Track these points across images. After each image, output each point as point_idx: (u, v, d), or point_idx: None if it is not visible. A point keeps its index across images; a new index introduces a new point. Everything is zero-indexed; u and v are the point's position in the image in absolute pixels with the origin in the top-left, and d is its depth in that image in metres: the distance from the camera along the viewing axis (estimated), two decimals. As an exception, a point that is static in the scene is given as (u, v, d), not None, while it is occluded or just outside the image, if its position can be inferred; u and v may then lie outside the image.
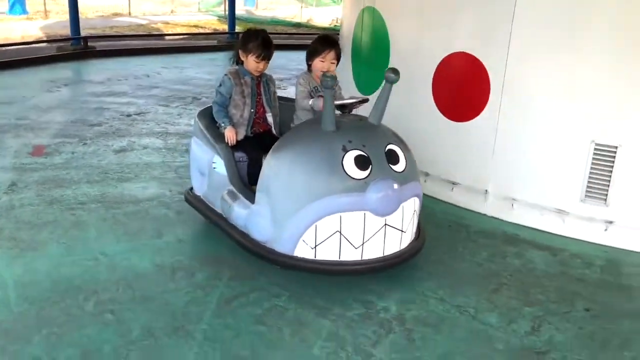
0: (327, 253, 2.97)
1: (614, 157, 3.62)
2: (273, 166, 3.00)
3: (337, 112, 3.12)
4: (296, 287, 3.11)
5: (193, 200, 3.75)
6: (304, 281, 3.14)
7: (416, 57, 4.42)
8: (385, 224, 2.96)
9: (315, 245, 2.95)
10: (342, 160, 2.88)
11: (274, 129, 3.68)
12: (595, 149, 3.67)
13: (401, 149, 3.10)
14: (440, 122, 4.32)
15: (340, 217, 2.88)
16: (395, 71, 3.05)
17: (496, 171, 4.05)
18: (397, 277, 3.21)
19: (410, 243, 3.19)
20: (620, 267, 3.53)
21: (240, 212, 3.21)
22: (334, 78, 2.91)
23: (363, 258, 2.99)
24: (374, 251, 3.00)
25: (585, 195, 3.77)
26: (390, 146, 3.04)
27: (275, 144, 3.08)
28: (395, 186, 2.92)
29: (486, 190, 4.13)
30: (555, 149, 3.81)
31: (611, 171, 3.65)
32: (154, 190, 4.47)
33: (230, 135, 3.44)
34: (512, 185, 4.01)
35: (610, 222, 3.72)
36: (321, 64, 3.48)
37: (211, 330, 2.74)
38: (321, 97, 3.27)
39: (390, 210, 2.94)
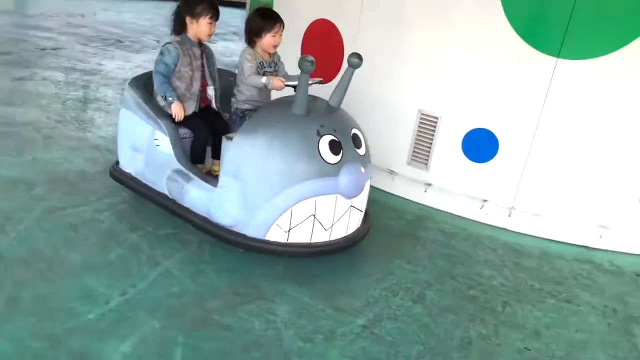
0: (300, 236, 3.02)
1: (435, 126, 4.07)
2: (246, 149, 2.92)
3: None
4: (122, 207, 3.50)
5: (121, 176, 3.51)
6: (133, 202, 3.52)
7: (291, 21, 4.76)
8: (351, 206, 3.11)
9: (289, 229, 2.99)
10: (318, 145, 2.92)
11: (215, 103, 3.52)
12: (421, 118, 4.11)
13: (362, 133, 3.21)
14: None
15: (316, 201, 2.95)
16: (359, 56, 3.08)
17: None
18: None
19: (364, 221, 3.38)
20: (425, 221, 4.01)
21: (197, 195, 3.11)
22: (313, 62, 2.85)
23: (331, 239, 3.10)
24: (340, 232, 3.13)
25: (411, 159, 4.23)
26: (354, 130, 3.13)
27: (245, 125, 3.00)
28: (362, 169, 3.05)
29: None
30: (391, 115, 4.24)
31: (432, 139, 4.11)
32: (34, 117, 4.76)
33: (178, 110, 3.21)
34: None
35: (429, 185, 4.19)
36: (273, 39, 3.36)
37: (26, 231, 3.12)
38: (274, 76, 3.27)
39: (358, 192, 3.08)
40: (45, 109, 5.00)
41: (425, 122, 4.12)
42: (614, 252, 3.91)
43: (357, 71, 3.16)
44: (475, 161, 4.01)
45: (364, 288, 3.06)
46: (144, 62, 6.96)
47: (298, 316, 2.77)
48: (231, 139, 2.99)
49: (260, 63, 3.36)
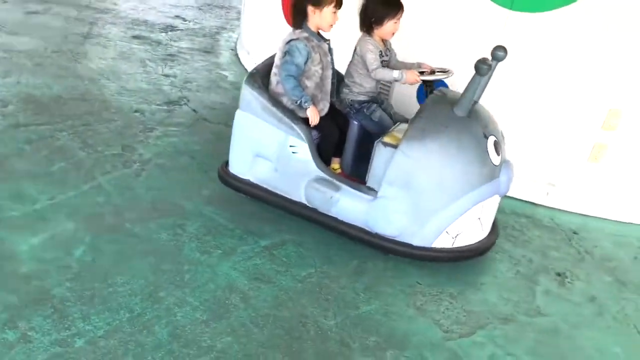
0: (464, 239, 2.97)
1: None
2: (417, 158, 2.78)
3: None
4: (82, 129, 3.79)
5: (237, 182, 3.23)
6: (94, 126, 3.83)
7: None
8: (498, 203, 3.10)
9: (457, 235, 2.93)
10: (487, 148, 2.86)
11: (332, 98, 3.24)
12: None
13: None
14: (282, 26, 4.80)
15: (483, 204, 2.91)
16: (504, 49, 2.74)
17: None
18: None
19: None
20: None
21: (351, 205, 2.95)
22: (491, 66, 2.71)
23: (484, 237, 3.08)
24: (488, 229, 3.13)
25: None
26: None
27: (410, 132, 2.80)
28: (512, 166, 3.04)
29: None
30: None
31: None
32: (32, 46, 5.10)
33: (314, 115, 2.96)
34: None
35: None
36: (394, 26, 3.13)
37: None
38: (411, 70, 3.09)
39: (509, 189, 3.04)
40: (46, 40, 5.32)
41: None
42: (559, 209, 3.91)
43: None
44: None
45: (280, 216, 3.24)
46: (160, 4, 7.19)
47: (206, 233, 3.00)
48: (386, 143, 2.89)
49: (380, 52, 3.15)
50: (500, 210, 3.72)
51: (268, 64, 3.13)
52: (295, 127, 2.97)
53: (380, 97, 3.37)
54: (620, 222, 3.81)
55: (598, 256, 3.42)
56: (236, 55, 5.75)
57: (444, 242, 2.93)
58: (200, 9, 7.22)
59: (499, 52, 2.71)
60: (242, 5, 5.86)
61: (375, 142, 2.93)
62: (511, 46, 3.60)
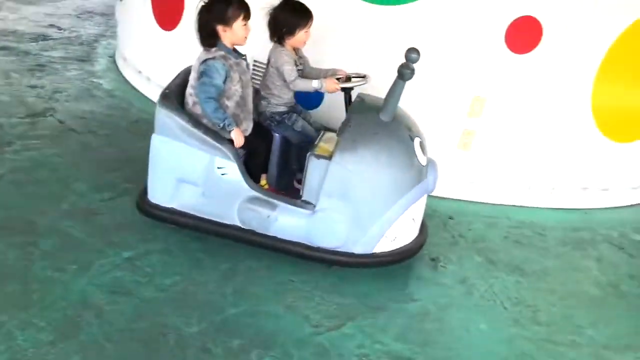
0: (402, 240, 2.99)
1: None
2: (352, 168, 2.76)
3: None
4: None
5: (160, 212, 3.00)
6: None
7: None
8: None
9: (395, 238, 2.94)
10: (415, 150, 2.90)
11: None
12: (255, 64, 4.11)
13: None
14: (155, 31, 4.65)
15: (415, 204, 2.95)
16: (417, 51, 2.76)
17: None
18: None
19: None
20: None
21: (290, 222, 2.87)
22: (414, 71, 2.70)
23: (418, 234, 3.12)
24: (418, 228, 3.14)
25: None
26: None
27: (342, 143, 2.78)
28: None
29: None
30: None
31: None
32: None
33: (238, 137, 2.83)
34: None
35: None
36: (306, 35, 3.12)
37: None
38: (330, 79, 3.08)
39: (435, 187, 3.08)
40: None
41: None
42: (437, 197, 3.99)
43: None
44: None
45: (147, 226, 3.09)
46: (32, 13, 6.78)
47: (61, 249, 2.81)
48: (318, 156, 2.83)
49: (294, 62, 3.12)
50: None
51: (180, 83, 2.98)
52: (221, 147, 2.83)
53: (298, 107, 3.34)
54: (492, 204, 3.95)
55: (471, 238, 3.52)
56: (114, 62, 5.51)
57: (384, 246, 2.94)
58: (78, 17, 6.87)
59: (412, 55, 2.74)
60: (116, 11, 5.63)
61: (307, 155, 2.86)
62: (383, 39, 3.71)
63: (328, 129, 3.29)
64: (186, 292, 2.67)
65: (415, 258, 3.17)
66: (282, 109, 3.22)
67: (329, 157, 2.80)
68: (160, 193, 2.98)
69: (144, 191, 3.04)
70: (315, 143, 3.06)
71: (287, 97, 3.20)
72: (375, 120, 2.85)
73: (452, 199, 3.96)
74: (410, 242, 3.03)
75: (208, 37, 2.80)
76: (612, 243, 3.73)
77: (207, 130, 2.84)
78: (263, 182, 3.14)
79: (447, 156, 3.88)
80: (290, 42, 3.12)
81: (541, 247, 3.56)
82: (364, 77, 3.16)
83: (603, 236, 3.79)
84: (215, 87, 2.76)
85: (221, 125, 2.78)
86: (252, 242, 2.94)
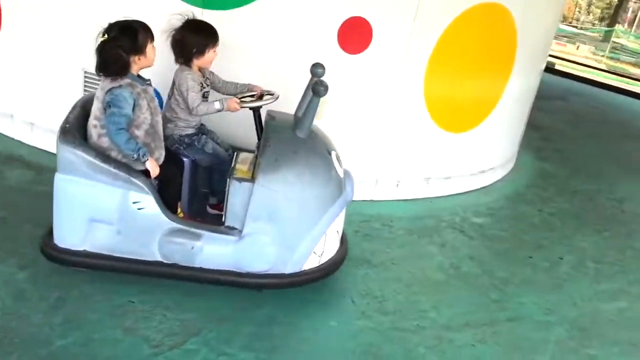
0: (328, 253, 2.98)
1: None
2: (277, 189, 2.73)
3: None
4: None
5: (68, 257, 2.77)
6: None
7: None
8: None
9: (322, 253, 2.92)
10: (333, 163, 2.91)
11: None
12: (85, 76, 3.87)
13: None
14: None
15: (339, 216, 2.95)
16: (322, 66, 3.01)
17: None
18: None
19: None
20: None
21: (217, 250, 2.78)
22: (328, 87, 2.70)
23: (339, 248, 3.10)
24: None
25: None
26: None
27: (264, 164, 2.73)
28: None
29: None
30: (52, 74, 3.95)
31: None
32: None
33: (154, 167, 2.72)
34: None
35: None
36: (214, 54, 3.08)
37: None
38: (231, 99, 3.04)
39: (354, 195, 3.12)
40: None
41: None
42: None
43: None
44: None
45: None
46: None
47: None
48: (240, 179, 2.75)
49: (200, 84, 3.03)
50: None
51: (79, 116, 2.75)
52: (135, 180, 2.66)
53: (204, 127, 3.22)
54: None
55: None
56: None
57: (312, 262, 2.93)
58: None
59: (318, 69, 2.94)
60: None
61: (228, 179, 2.79)
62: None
63: (237, 149, 3.27)
64: (7, 328, 2.42)
65: None
66: (190, 131, 3.13)
67: (252, 180, 2.77)
68: (69, 235, 2.75)
69: (49, 235, 2.79)
70: (232, 166, 3.00)
71: (194, 119, 3.12)
72: (293, 138, 2.86)
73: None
74: (335, 254, 3.08)
75: (120, 69, 2.63)
76: (455, 228, 3.98)
77: (118, 163, 2.68)
78: (178, 210, 3.03)
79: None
80: (199, 62, 3.05)
81: (389, 238, 3.69)
82: (272, 94, 3.16)
83: (447, 222, 4.03)
84: (125, 116, 2.62)
85: (135, 157, 2.65)
86: (176, 277, 2.83)
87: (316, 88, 2.72)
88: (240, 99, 3.12)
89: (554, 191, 5.21)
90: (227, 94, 3.21)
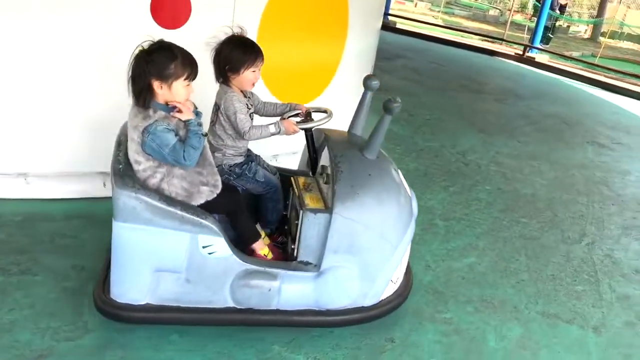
0: (399, 276, 2.84)
1: None
2: (355, 217, 2.52)
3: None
4: None
5: (129, 313, 2.45)
6: None
7: None
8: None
9: (397, 279, 2.82)
10: (402, 181, 2.79)
11: None
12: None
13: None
14: None
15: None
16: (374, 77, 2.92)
17: None
18: None
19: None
20: None
21: (297, 289, 2.57)
22: (400, 104, 2.57)
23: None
24: None
25: None
26: None
27: (340, 190, 2.51)
28: None
29: None
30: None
31: None
32: None
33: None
34: None
35: None
36: (253, 74, 2.70)
37: None
38: (287, 121, 2.75)
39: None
40: None
41: None
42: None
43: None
44: None
45: None
46: None
47: None
48: (314, 210, 2.53)
49: (245, 105, 2.73)
50: (47, 219, 3.20)
51: (127, 162, 2.42)
52: (203, 222, 2.39)
53: (252, 153, 2.91)
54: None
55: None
56: None
57: (389, 290, 2.79)
58: None
59: (372, 82, 2.89)
60: None
61: (301, 210, 2.55)
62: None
63: (284, 171, 3.05)
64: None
65: (91, 278, 2.77)
66: (240, 159, 2.84)
67: (327, 210, 2.54)
68: (131, 289, 2.46)
69: (101, 289, 2.51)
70: (296, 194, 2.75)
71: (243, 145, 2.82)
72: (363, 160, 2.66)
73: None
74: (404, 278, 2.93)
75: (139, 91, 2.30)
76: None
77: (183, 205, 2.39)
78: (263, 234, 2.83)
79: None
80: (236, 82, 2.72)
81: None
82: (325, 111, 2.91)
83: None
84: (175, 145, 2.30)
85: (201, 134, 2.36)
86: (250, 323, 2.59)
87: (389, 106, 2.56)
88: (287, 119, 2.82)
89: (401, 151, 5.26)
90: (266, 116, 2.93)
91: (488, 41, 14.15)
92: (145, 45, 2.30)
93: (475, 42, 13.74)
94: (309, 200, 2.66)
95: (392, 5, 15.67)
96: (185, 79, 2.33)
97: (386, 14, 13.97)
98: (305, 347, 2.58)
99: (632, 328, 3.12)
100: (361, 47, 4.68)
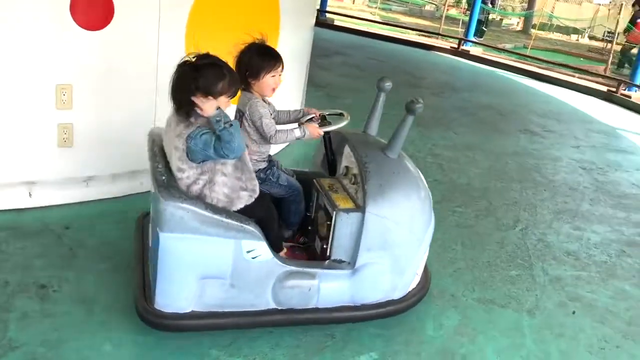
0: (422, 268, 2.99)
1: None
2: (386, 215, 2.66)
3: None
4: None
5: (175, 322, 2.49)
6: None
7: None
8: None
9: (421, 271, 2.97)
10: (422, 177, 2.93)
11: None
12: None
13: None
14: None
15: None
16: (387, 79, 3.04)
17: None
18: None
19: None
20: None
21: (334, 287, 2.70)
22: (423, 105, 2.72)
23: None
24: None
25: None
26: None
27: (370, 190, 2.63)
28: None
29: None
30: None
31: None
32: None
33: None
34: None
35: None
36: (273, 79, 2.77)
37: None
38: (311, 125, 2.82)
39: None
40: None
41: None
42: (49, 207, 3.43)
43: None
44: None
45: None
46: None
47: None
48: (347, 210, 2.67)
49: (269, 112, 2.82)
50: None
51: (168, 172, 2.49)
52: (247, 227, 2.47)
53: (273, 158, 2.95)
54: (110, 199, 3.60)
55: (93, 246, 3.09)
56: None
57: (414, 283, 2.94)
58: None
59: (385, 84, 3.02)
60: None
61: (334, 211, 2.66)
62: None
63: (300, 174, 3.09)
64: None
65: (17, 292, 2.70)
66: (264, 164, 2.89)
67: (359, 209, 2.66)
68: (177, 298, 2.49)
69: (145, 300, 2.52)
70: (326, 196, 2.82)
71: (267, 150, 2.89)
72: (386, 160, 2.79)
73: (68, 205, 3.46)
74: (424, 271, 3.06)
75: (181, 103, 2.38)
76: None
77: (227, 213, 2.47)
78: (284, 249, 2.91)
79: (49, 158, 3.36)
80: (256, 87, 2.79)
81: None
82: (341, 114, 2.99)
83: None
84: (216, 142, 2.33)
85: (228, 123, 2.36)
86: (292, 323, 2.69)
87: (411, 106, 2.68)
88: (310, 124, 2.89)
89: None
90: (280, 123, 2.97)
91: (425, 36, 14.41)
92: (192, 57, 2.36)
93: (413, 37, 13.96)
94: (339, 201, 2.76)
95: (329, 2, 15.71)
96: (227, 96, 2.42)
97: (323, 11, 14.02)
98: (244, 349, 2.56)
99: (564, 308, 3.24)
100: (295, 43, 4.66)
